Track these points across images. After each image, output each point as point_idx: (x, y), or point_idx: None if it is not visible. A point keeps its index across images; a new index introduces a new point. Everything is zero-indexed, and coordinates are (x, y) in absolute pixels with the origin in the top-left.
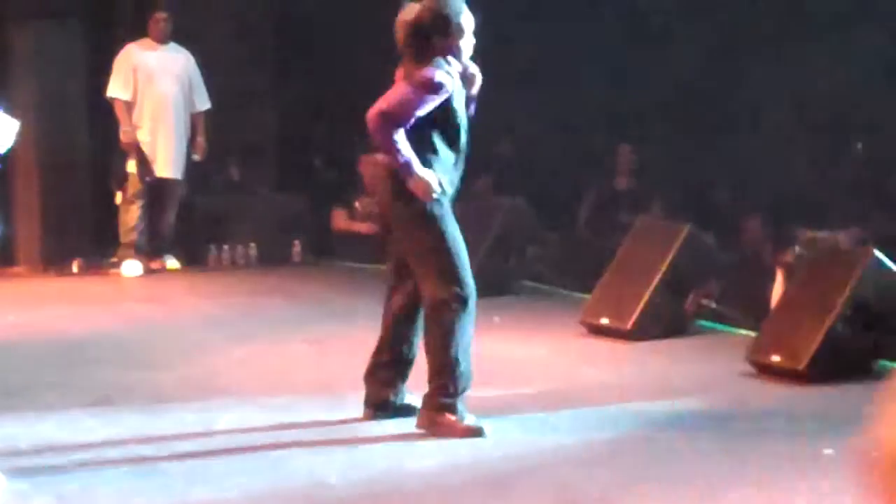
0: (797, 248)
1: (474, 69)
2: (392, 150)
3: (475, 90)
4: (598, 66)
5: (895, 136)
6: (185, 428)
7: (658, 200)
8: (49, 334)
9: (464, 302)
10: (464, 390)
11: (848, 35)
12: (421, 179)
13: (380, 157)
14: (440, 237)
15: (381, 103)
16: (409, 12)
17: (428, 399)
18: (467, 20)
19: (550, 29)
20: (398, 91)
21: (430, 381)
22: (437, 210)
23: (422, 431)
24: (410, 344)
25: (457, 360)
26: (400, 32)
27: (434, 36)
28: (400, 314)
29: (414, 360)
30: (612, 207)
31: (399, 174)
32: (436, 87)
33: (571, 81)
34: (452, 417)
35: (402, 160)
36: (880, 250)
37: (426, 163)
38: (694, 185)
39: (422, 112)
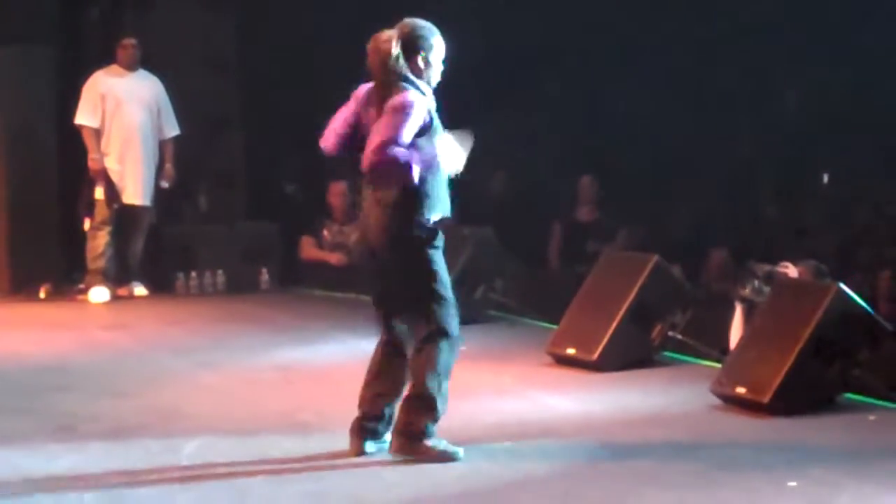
0: (755, 283)
1: None
2: (399, 165)
3: None
4: (562, 96)
5: (861, 168)
6: (150, 456)
7: (623, 231)
8: (15, 360)
9: (451, 338)
10: (438, 418)
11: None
12: (435, 157)
13: (378, 193)
14: (435, 276)
15: (375, 139)
16: (382, 37)
17: (402, 425)
18: (439, 44)
19: (510, 56)
20: (382, 124)
21: (406, 409)
22: (431, 251)
23: (392, 458)
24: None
25: (439, 390)
26: (375, 57)
27: (411, 55)
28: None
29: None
30: (577, 238)
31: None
32: (410, 105)
33: (532, 112)
34: (428, 443)
35: (413, 163)
36: (837, 280)
37: (423, 182)
38: (657, 216)
39: (408, 132)
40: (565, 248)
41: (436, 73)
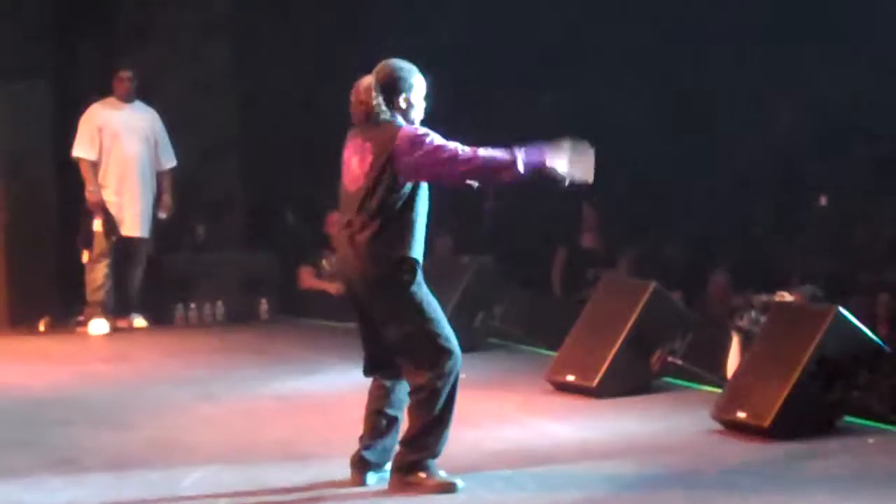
0: (752, 313)
1: None
2: (490, 162)
3: None
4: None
5: (859, 190)
6: (151, 488)
7: (624, 258)
8: (15, 393)
9: (453, 373)
10: (439, 453)
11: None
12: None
13: (359, 237)
14: (423, 315)
15: (435, 167)
16: (362, 86)
17: (399, 462)
18: (419, 82)
19: (504, 77)
20: (422, 163)
21: (404, 447)
22: (416, 291)
23: (390, 493)
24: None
25: (438, 428)
26: (359, 107)
27: (392, 97)
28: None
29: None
30: (579, 265)
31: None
32: (426, 133)
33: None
34: (423, 475)
35: (510, 157)
36: (836, 303)
37: (411, 223)
38: (657, 243)
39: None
40: (569, 275)
41: (418, 111)
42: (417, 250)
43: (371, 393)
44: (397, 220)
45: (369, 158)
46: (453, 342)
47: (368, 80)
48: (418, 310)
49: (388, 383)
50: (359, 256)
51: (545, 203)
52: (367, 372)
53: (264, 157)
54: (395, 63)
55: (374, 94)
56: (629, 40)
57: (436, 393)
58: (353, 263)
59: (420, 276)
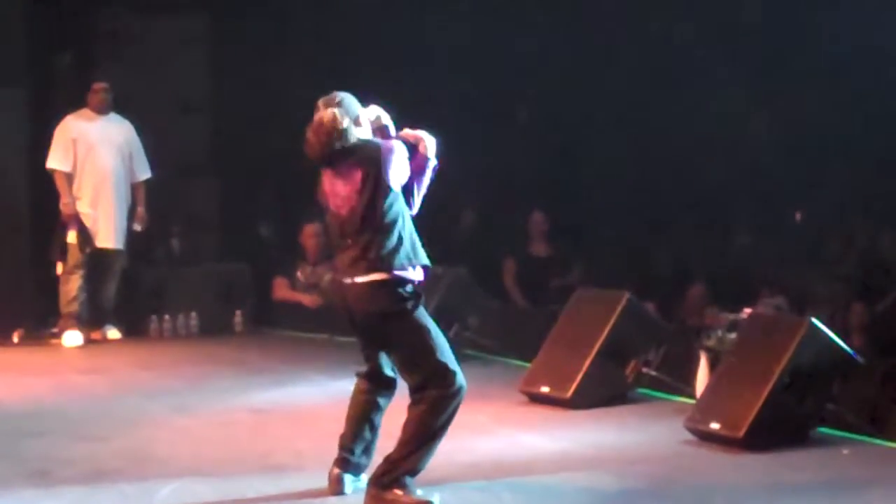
0: (719, 332)
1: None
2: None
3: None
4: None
5: (833, 202)
6: (125, 500)
7: (578, 265)
8: None
9: (457, 394)
10: (419, 471)
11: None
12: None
13: (365, 278)
14: (424, 333)
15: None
16: (324, 119)
17: (379, 475)
18: (366, 115)
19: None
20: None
21: (387, 459)
22: (420, 315)
23: None
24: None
25: (426, 445)
26: (319, 138)
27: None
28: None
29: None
30: (533, 273)
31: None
32: (392, 148)
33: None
34: (399, 492)
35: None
36: (810, 314)
37: (411, 233)
38: (635, 253)
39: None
40: (526, 284)
41: (367, 130)
42: (423, 253)
43: (358, 399)
44: (398, 226)
45: (358, 176)
46: (457, 367)
47: (331, 111)
48: (420, 328)
49: (378, 396)
50: (361, 292)
51: (505, 213)
52: (365, 376)
53: (240, 169)
54: (338, 94)
55: (338, 117)
56: (608, 51)
57: (437, 412)
58: (353, 292)
59: (421, 300)
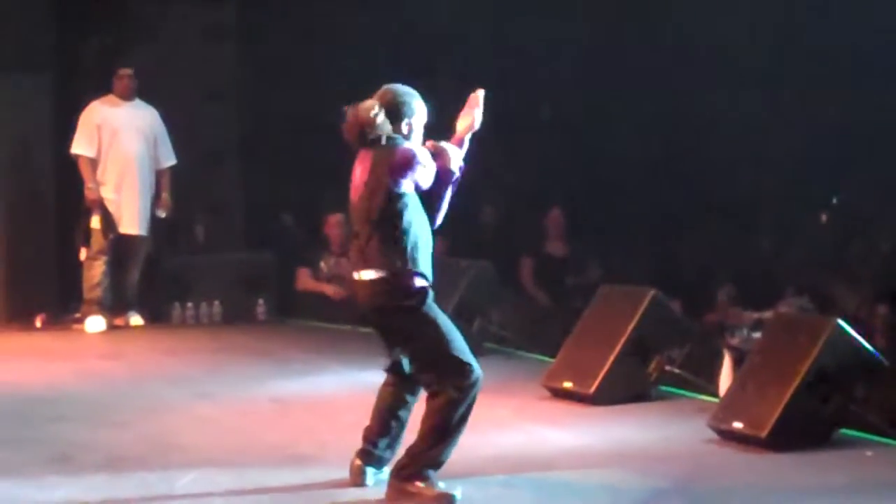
0: (744, 331)
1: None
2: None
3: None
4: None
5: (856, 204)
6: (146, 487)
7: (594, 263)
8: (11, 390)
9: (473, 386)
10: (441, 464)
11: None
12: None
13: (365, 275)
14: (436, 330)
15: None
16: (362, 107)
17: (400, 467)
18: (421, 108)
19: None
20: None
21: (409, 452)
22: (428, 309)
23: (388, 502)
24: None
25: (446, 439)
26: (354, 127)
27: (396, 121)
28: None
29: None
30: (551, 273)
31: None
32: (417, 158)
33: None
34: (422, 485)
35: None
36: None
37: (414, 237)
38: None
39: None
40: (543, 282)
41: (417, 137)
42: (424, 261)
43: (384, 393)
44: (398, 227)
45: (368, 168)
46: (472, 358)
47: (370, 103)
48: (432, 324)
49: (405, 392)
50: (369, 292)
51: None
52: (390, 370)
53: (264, 158)
54: (400, 88)
55: (377, 116)
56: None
57: (455, 405)
58: (357, 286)
59: (430, 296)
